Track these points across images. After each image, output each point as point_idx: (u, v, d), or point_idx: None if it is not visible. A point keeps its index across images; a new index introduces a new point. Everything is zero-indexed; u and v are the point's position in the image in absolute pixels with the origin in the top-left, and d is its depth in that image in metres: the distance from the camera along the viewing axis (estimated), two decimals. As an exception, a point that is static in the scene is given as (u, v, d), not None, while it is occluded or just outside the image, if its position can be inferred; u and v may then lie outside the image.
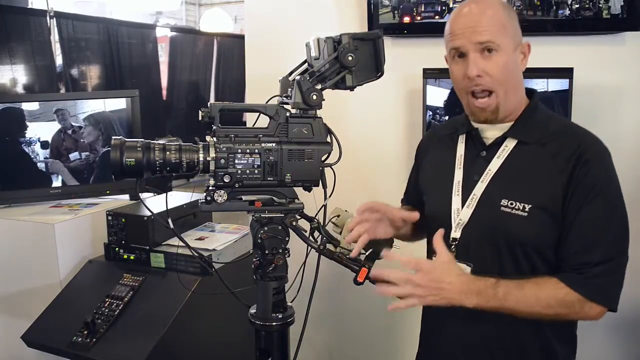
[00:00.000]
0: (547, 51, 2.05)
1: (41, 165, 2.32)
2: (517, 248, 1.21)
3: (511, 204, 1.20)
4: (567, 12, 1.94)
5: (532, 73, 1.94)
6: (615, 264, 1.16)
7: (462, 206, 1.27)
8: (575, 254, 1.16)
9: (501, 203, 1.21)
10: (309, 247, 1.45)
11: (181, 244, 1.46)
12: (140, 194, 1.97)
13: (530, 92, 1.31)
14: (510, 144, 1.24)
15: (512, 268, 1.22)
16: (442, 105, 2.08)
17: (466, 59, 1.20)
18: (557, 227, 1.18)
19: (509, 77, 1.20)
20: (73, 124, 2.33)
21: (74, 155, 2.34)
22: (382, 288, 1.14)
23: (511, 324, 1.20)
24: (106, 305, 1.75)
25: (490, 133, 1.28)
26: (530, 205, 1.18)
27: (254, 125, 1.46)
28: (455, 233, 1.27)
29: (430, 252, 1.34)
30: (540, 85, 1.93)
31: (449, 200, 1.30)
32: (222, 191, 1.32)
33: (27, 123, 2.28)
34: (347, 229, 1.49)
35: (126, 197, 2.38)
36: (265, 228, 1.37)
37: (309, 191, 1.43)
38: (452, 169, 1.33)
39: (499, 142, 1.26)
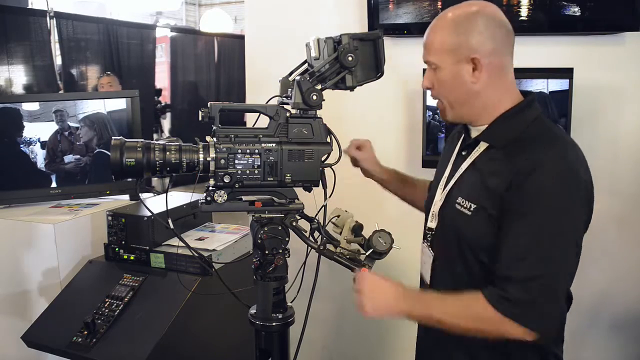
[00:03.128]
0: (547, 51, 2.05)
1: (41, 166, 2.32)
2: (463, 245, 1.26)
3: (463, 202, 1.25)
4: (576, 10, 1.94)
5: (532, 73, 1.95)
6: (537, 284, 1.12)
7: (440, 199, 1.35)
8: (500, 267, 1.16)
9: (456, 201, 1.27)
10: (309, 248, 1.45)
11: (181, 244, 1.46)
12: (140, 194, 1.97)
13: (525, 95, 1.30)
14: (481, 146, 1.28)
15: (459, 262, 1.27)
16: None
17: None
18: (494, 232, 1.18)
19: (449, 90, 1.27)
20: (71, 124, 2.33)
21: (68, 158, 2.34)
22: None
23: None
24: (106, 305, 1.75)
25: (473, 134, 1.33)
26: (475, 205, 1.22)
27: (254, 125, 1.46)
28: (431, 223, 1.37)
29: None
30: (540, 85, 1.93)
31: (435, 192, 1.39)
32: (222, 191, 1.32)
33: (25, 123, 2.28)
34: (348, 229, 1.49)
35: (126, 197, 2.38)
36: (265, 228, 1.37)
37: (309, 191, 1.43)
38: (446, 165, 1.40)
39: (473, 143, 1.31)
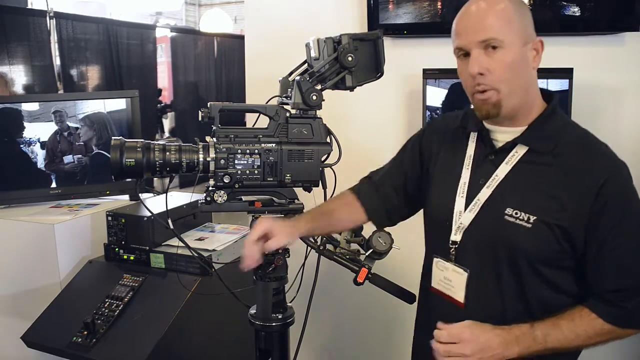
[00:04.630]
0: (546, 51, 2.03)
1: (41, 166, 2.32)
2: (517, 259, 1.16)
3: (516, 213, 1.15)
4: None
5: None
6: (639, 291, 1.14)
7: (465, 209, 1.22)
8: (606, 281, 1.14)
9: (505, 212, 1.16)
10: (309, 248, 1.45)
11: (181, 244, 1.46)
12: (140, 195, 1.97)
13: (548, 95, 1.24)
14: (520, 151, 1.18)
15: (509, 277, 1.18)
16: (441, 106, 2.08)
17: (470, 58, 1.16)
18: (562, 244, 1.14)
19: (514, 75, 1.14)
20: (71, 125, 2.33)
21: (68, 158, 2.33)
22: None
23: None
24: (106, 305, 1.75)
25: (501, 136, 1.22)
26: (535, 217, 1.13)
27: (253, 125, 1.46)
28: (456, 236, 1.23)
29: (430, 252, 1.32)
30: (540, 85, 1.93)
31: (452, 200, 1.25)
32: (222, 191, 1.32)
33: (25, 124, 2.28)
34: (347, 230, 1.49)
35: (126, 197, 2.38)
36: (265, 228, 1.37)
37: (309, 191, 1.43)
38: (460, 168, 1.26)
39: (509, 147, 1.20)
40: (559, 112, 1.22)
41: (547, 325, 1.12)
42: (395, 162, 1.47)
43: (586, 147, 1.17)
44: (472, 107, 1.23)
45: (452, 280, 1.24)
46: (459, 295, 1.23)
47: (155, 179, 1.56)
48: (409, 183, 1.42)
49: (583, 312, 1.14)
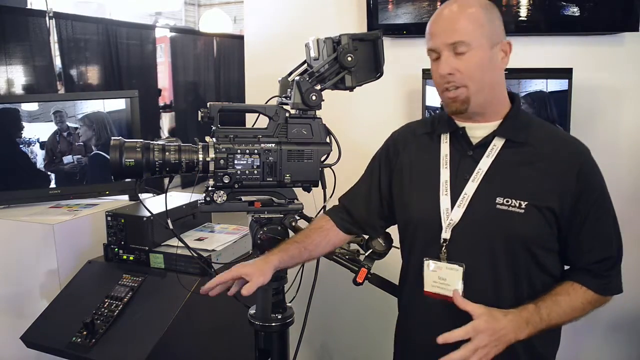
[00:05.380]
0: (546, 51, 2.05)
1: (40, 166, 2.32)
2: (513, 245, 1.21)
3: (507, 201, 1.20)
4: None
5: (532, 73, 1.95)
6: (619, 259, 1.26)
7: (452, 206, 1.25)
8: (590, 255, 1.24)
9: (496, 201, 1.21)
10: (309, 248, 1.45)
11: (180, 244, 1.46)
12: (139, 195, 1.97)
13: (511, 96, 1.32)
14: (498, 143, 1.25)
15: (504, 265, 1.23)
16: (440, 106, 2.08)
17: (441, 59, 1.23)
18: (551, 226, 1.22)
19: (482, 74, 1.21)
20: (70, 125, 2.33)
21: (67, 159, 2.33)
22: None
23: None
24: (105, 305, 1.74)
25: (478, 132, 1.28)
26: (526, 202, 1.19)
27: (253, 125, 1.46)
28: (446, 234, 1.25)
29: (416, 258, 1.31)
30: (539, 85, 1.94)
31: (436, 201, 1.27)
32: (222, 192, 1.32)
33: (24, 124, 2.28)
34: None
35: (125, 197, 2.38)
36: (265, 228, 1.37)
37: (309, 192, 1.43)
38: (437, 169, 1.30)
39: (486, 141, 1.26)
40: (523, 111, 1.35)
41: (548, 304, 1.19)
42: (363, 178, 1.48)
43: (555, 136, 1.28)
44: (438, 112, 1.31)
45: (447, 278, 1.25)
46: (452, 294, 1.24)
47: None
48: (382, 192, 1.42)
49: (575, 286, 1.22)
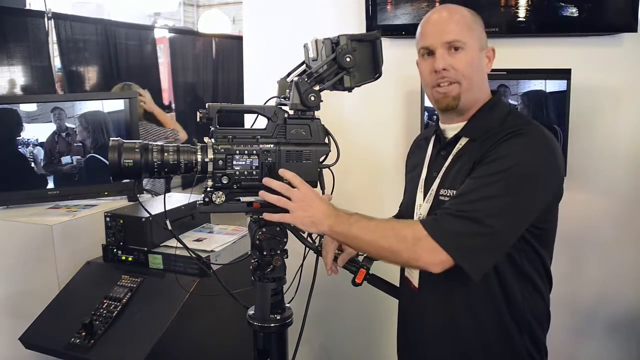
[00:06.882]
0: (545, 52, 2.05)
1: (39, 167, 2.31)
2: None
3: (445, 192, 1.28)
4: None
5: (530, 74, 1.95)
6: (469, 222, 1.15)
7: (424, 201, 1.34)
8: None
9: (440, 192, 1.30)
10: (307, 248, 1.45)
11: (179, 245, 1.46)
12: (138, 195, 1.97)
13: (494, 93, 1.38)
14: (463, 142, 1.32)
15: None
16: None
17: (434, 57, 1.29)
18: None
19: (474, 72, 1.28)
20: (68, 125, 2.32)
21: (66, 159, 2.33)
22: (266, 214, 1.25)
23: (484, 334, 1.27)
24: (104, 306, 1.74)
25: (450, 132, 1.36)
26: (454, 191, 1.25)
27: (252, 126, 1.46)
28: None
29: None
30: (538, 86, 1.94)
31: (414, 197, 1.39)
32: (220, 192, 1.32)
33: (24, 124, 2.28)
34: None
35: (124, 198, 2.38)
36: (264, 229, 1.37)
37: (308, 192, 1.43)
38: (421, 169, 1.41)
39: (454, 140, 1.34)
40: (502, 105, 1.36)
41: (364, 216, 1.24)
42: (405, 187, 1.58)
43: (509, 125, 1.25)
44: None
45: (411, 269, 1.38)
46: (415, 281, 1.37)
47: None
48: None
49: (410, 221, 1.30)
